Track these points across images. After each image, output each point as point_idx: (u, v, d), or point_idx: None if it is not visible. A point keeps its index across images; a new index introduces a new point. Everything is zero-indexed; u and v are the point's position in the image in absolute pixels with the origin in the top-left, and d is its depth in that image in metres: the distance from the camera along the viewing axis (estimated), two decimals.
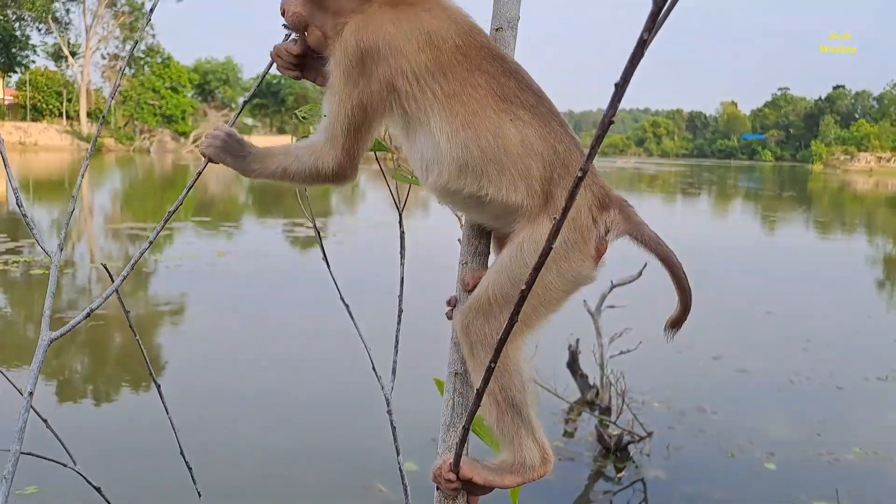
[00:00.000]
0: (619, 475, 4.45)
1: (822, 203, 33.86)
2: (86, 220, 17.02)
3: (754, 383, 6.23)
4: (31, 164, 40.96)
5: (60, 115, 63.27)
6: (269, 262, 11.07)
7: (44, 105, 62.59)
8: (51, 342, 1.09)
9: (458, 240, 1.15)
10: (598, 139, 0.63)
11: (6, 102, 64.55)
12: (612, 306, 5.54)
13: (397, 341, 1.38)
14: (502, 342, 0.71)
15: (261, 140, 68.61)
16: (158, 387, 1.32)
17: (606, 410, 5.22)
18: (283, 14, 1.14)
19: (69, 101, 62.80)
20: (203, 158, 1.21)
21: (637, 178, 48.82)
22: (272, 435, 4.83)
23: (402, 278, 1.34)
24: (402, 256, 1.34)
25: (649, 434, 4.61)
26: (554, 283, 1.08)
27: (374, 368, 1.34)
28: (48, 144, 53.74)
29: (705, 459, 4.68)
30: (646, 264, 5.20)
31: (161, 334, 7.21)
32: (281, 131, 76.13)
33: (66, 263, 10.80)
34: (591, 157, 0.64)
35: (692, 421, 5.25)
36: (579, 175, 0.63)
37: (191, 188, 1.21)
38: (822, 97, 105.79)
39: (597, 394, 5.46)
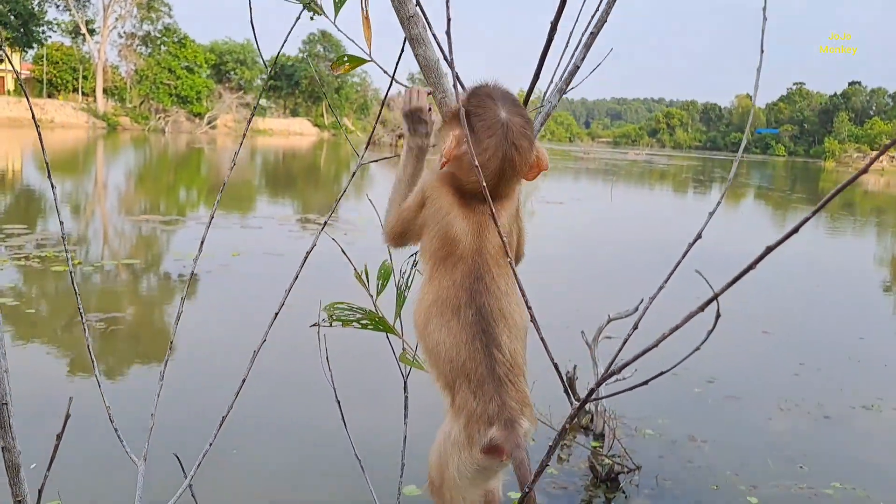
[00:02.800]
0: None
1: (832, 206, 33.85)
2: (100, 208, 17.34)
3: (745, 410, 6.50)
4: (47, 142, 41.37)
5: (75, 90, 63.78)
6: (286, 263, 11.36)
7: (59, 81, 63.03)
8: None
9: None
10: None
11: (22, 77, 65.00)
12: (609, 337, 5.82)
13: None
14: None
15: (274, 122, 68.85)
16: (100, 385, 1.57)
17: (600, 436, 5.51)
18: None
19: (85, 77, 63.16)
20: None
21: (647, 173, 48.83)
22: (268, 452, 5.13)
23: (405, 436, 1.60)
24: (406, 416, 1.61)
25: (638, 467, 4.90)
26: (455, 475, 1.31)
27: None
28: (64, 122, 54.17)
29: (692, 492, 4.95)
30: (642, 300, 5.48)
31: (181, 346, 7.52)
32: (294, 113, 76.29)
33: (82, 256, 11.11)
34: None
35: (683, 451, 5.53)
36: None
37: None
38: (838, 93, 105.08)
39: (591, 419, 5.76)
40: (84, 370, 6.46)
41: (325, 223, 1.42)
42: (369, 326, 1.47)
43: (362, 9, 1.50)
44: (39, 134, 1.25)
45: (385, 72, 1.44)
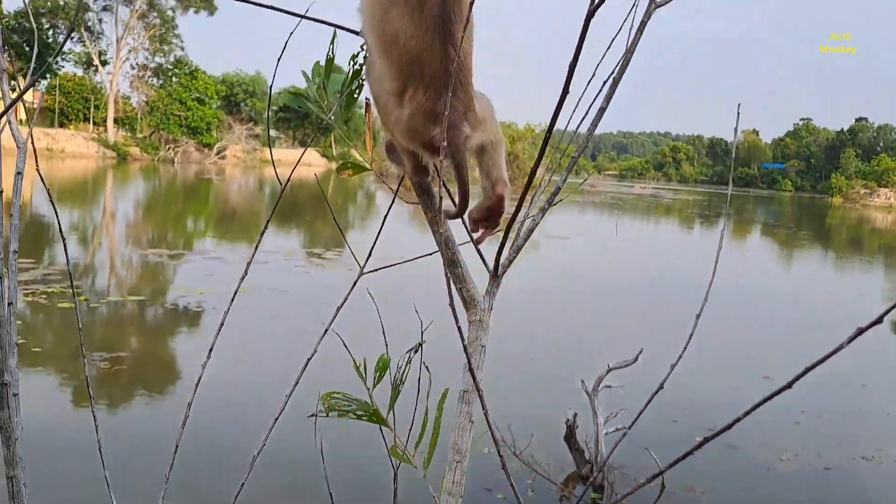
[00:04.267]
0: None
1: (840, 242, 33.89)
2: (107, 240, 17.49)
3: (745, 459, 6.49)
4: (58, 171, 41.86)
5: (87, 120, 64.68)
6: (291, 300, 11.44)
7: (71, 110, 63.94)
8: None
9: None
10: None
11: (35, 107, 65.92)
12: (608, 386, 5.86)
13: None
14: None
15: (283, 153, 69.55)
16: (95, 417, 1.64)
17: (599, 488, 5.53)
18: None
19: (97, 107, 64.05)
20: None
21: (653, 207, 48.94)
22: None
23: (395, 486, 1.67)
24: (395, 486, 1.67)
25: None
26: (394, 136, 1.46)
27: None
28: (75, 151, 54.80)
29: None
30: (641, 350, 5.54)
31: (186, 387, 7.57)
32: (303, 144, 76.97)
33: (88, 291, 11.21)
34: None
35: (682, 502, 5.54)
36: None
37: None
38: (845, 129, 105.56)
39: (591, 469, 5.77)
40: (88, 407, 6.51)
41: (328, 327, 1.49)
42: (364, 418, 1.54)
43: (368, 119, 1.59)
44: (38, 167, 1.32)
45: (385, 183, 1.54)
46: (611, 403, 5.96)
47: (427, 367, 1.53)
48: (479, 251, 1.51)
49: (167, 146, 59.35)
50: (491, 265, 1.43)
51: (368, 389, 1.56)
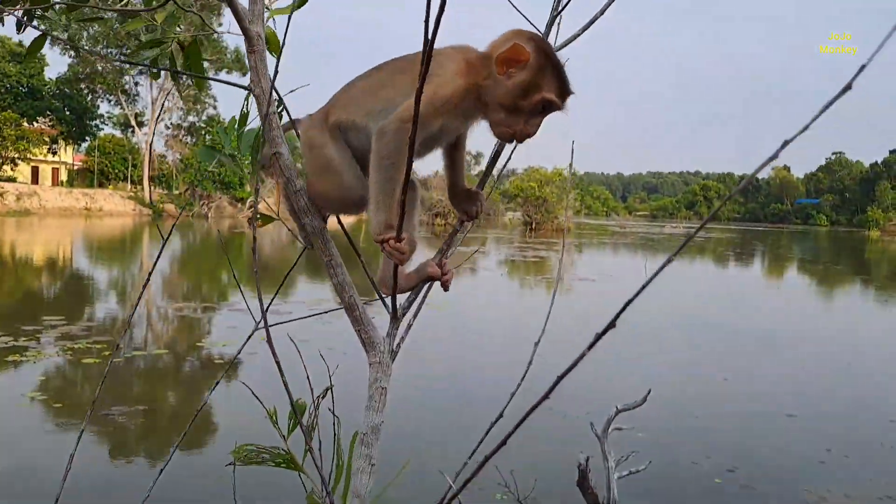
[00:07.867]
0: None
1: (879, 275, 33.18)
2: (136, 295, 17.83)
3: (768, 502, 6.31)
4: (96, 229, 42.97)
5: (125, 179, 66.64)
6: (309, 349, 11.47)
7: (110, 170, 65.99)
8: None
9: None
10: None
11: (75, 168, 68.32)
12: (619, 428, 5.76)
13: None
14: None
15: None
16: None
17: None
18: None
19: (134, 166, 66.01)
20: None
21: (685, 247, 48.41)
22: None
23: None
24: None
25: None
26: None
27: None
28: (112, 210, 56.26)
29: None
30: (650, 391, 5.45)
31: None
32: None
33: (112, 343, 11.40)
34: None
35: None
36: None
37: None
38: (879, 161, 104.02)
39: None
40: (119, 457, 6.59)
41: (220, 379, 1.53)
42: (281, 465, 1.56)
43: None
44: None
45: (291, 231, 1.60)
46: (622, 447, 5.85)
47: (333, 413, 1.55)
48: (379, 294, 1.54)
49: (201, 202, 60.67)
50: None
51: (284, 438, 1.59)
